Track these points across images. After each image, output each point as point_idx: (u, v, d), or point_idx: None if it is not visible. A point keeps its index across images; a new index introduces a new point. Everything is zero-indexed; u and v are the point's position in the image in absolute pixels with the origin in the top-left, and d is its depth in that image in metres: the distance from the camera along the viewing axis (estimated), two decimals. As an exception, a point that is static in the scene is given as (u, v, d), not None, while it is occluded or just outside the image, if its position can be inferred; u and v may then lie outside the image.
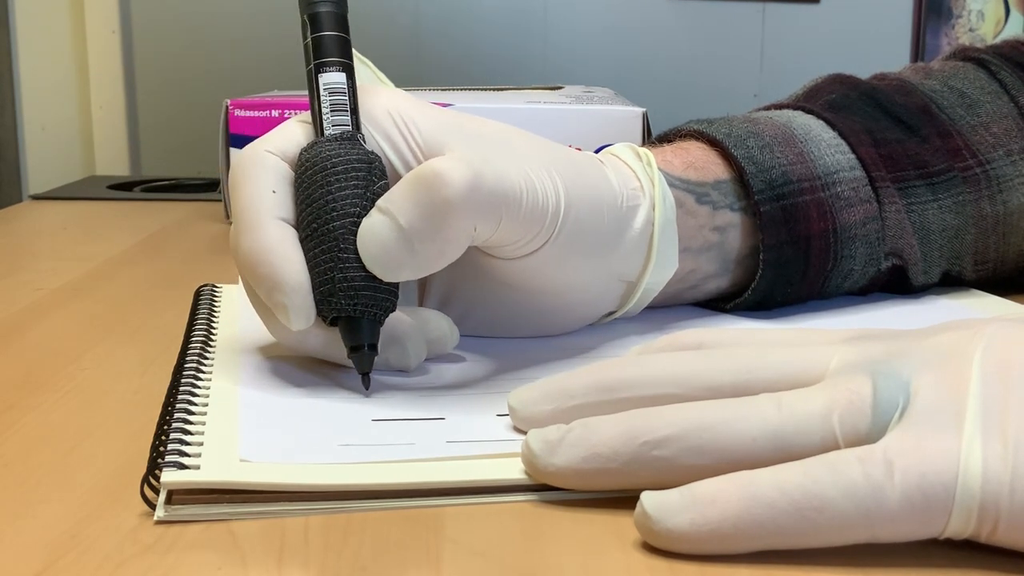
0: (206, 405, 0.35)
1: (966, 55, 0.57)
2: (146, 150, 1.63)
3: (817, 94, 0.54)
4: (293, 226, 0.36)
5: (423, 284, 0.43)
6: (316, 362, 0.40)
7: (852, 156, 0.49)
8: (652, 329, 0.45)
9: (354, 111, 0.38)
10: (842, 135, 0.49)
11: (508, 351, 0.42)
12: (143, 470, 0.30)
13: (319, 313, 0.36)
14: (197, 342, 0.42)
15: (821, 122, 0.50)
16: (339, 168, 0.36)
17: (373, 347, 0.36)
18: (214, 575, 0.26)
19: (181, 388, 0.36)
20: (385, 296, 0.36)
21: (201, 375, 0.38)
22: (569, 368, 0.39)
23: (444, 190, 0.34)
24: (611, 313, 0.45)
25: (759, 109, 0.54)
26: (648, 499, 0.27)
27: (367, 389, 0.36)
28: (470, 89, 0.86)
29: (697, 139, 0.49)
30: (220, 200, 0.81)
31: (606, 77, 1.33)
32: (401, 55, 1.52)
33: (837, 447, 0.27)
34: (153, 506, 0.29)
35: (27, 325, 0.49)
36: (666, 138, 0.50)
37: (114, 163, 1.60)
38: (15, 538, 0.28)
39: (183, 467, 0.29)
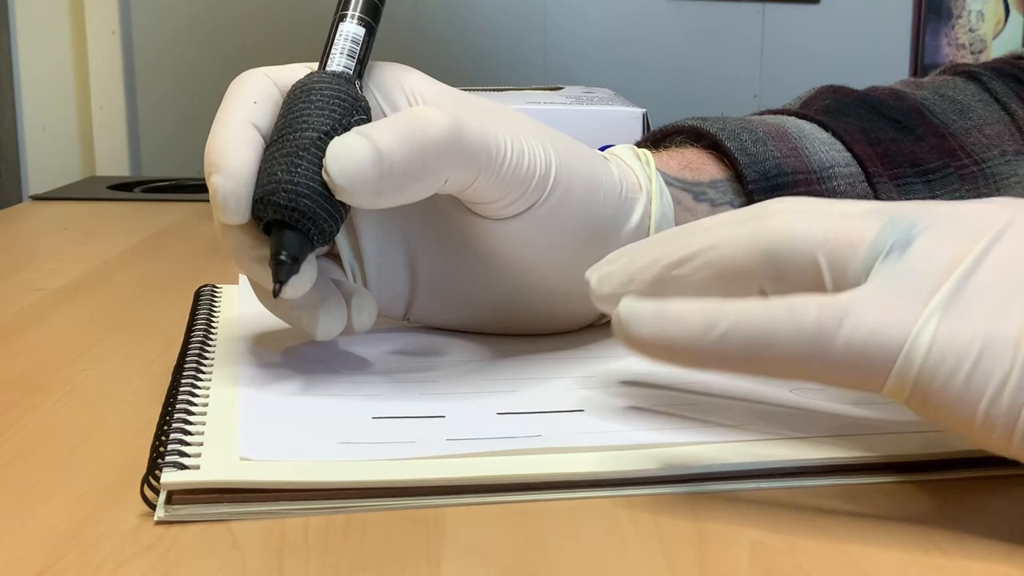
0: (206, 405, 0.35)
1: (956, 70, 0.58)
2: (146, 150, 1.63)
3: (810, 103, 0.54)
4: (265, 138, 0.36)
5: (413, 263, 0.43)
6: (316, 361, 0.40)
7: (847, 154, 0.49)
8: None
9: (361, 62, 0.38)
10: (836, 135, 0.49)
11: (508, 351, 0.42)
12: (143, 470, 0.30)
13: (255, 213, 0.35)
14: (197, 342, 0.42)
15: (815, 125, 0.50)
16: (325, 92, 0.36)
17: (296, 261, 0.35)
18: (214, 575, 0.26)
19: (181, 388, 0.36)
20: (325, 216, 0.35)
21: (201, 375, 0.38)
22: (568, 368, 0.40)
23: (426, 128, 0.35)
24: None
25: (752, 115, 0.54)
26: (625, 305, 0.29)
27: (275, 297, 0.35)
28: (470, 89, 0.86)
29: (693, 143, 0.49)
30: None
31: (606, 77, 1.33)
32: (401, 55, 1.52)
33: (820, 277, 0.29)
34: (153, 506, 0.29)
35: (27, 325, 0.49)
36: (660, 134, 0.50)
37: (114, 163, 1.60)
38: (15, 538, 0.28)
39: (183, 467, 0.29)
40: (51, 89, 1.60)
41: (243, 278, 0.53)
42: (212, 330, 0.44)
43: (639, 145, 0.48)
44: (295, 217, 0.35)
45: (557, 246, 0.40)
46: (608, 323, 0.46)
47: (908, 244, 0.28)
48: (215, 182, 0.35)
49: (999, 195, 0.51)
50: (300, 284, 0.36)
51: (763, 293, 0.31)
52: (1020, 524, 0.28)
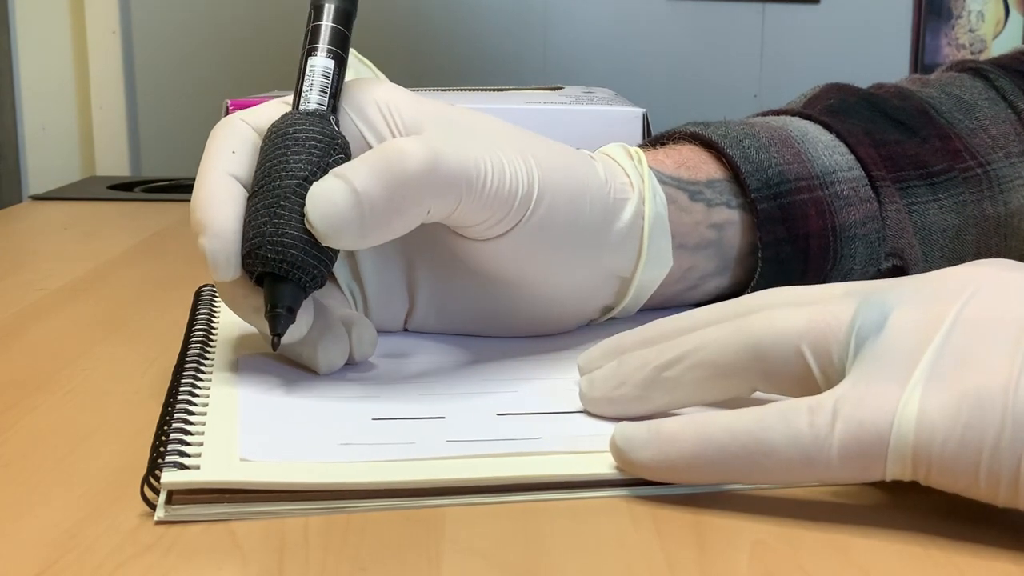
0: (206, 405, 0.35)
1: (963, 66, 0.57)
2: (146, 150, 1.63)
3: (814, 102, 0.54)
4: (246, 187, 0.37)
5: (411, 280, 0.43)
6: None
7: (851, 157, 0.49)
8: (652, 329, 0.45)
9: (334, 96, 0.38)
10: (840, 136, 0.49)
11: (508, 352, 0.42)
12: (143, 470, 0.30)
13: (245, 267, 0.36)
14: (197, 342, 0.42)
15: (818, 126, 0.50)
16: (300, 136, 0.36)
17: (291, 311, 0.35)
18: (214, 575, 0.26)
19: (181, 388, 0.36)
20: (315, 263, 0.35)
21: (201, 375, 0.38)
22: (568, 368, 0.39)
23: (403, 164, 0.35)
24: (610, 309, 0.45)
25: (755, 116, 0.54)
26: (620, 432, 0.30)
27: (274, 350, 0.36)
28: (470, 89, 0.86)
29: (690, 141, 0.49)
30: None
31: (606, 77, 1.33)
32: (401, 55, 1.52)
33: (807, 366, 0.30)
34: (153, 506, 0.29)
35: (27, 325, 0.49)
36: (660, 140, 0.50)
37: (114, 163, 1.60)
38: (15, 538, 0.28)
39: (183, 467, 0.29)
40: (51, 89, 1.60)
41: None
42: (212, 330, 0.44)
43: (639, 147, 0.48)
44: (284, 269, 0.35)
45: (548, 256, 0.40)
46: (607, 320, 0.46)
47: (883, 322, 0.29)
48: (202, 243, 0.36)
49: (1003, 197, 0.51)
50: (298, 330, 0.36)
51: (753, 389, 0.32)
52: (1019, 522, 0.28)
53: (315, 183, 0.35)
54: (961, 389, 0.26)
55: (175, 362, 0.40)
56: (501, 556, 0.27)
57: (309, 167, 0.36)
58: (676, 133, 0.50)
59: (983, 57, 1.73)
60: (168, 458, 0.30)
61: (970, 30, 1.74)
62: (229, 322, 0.45)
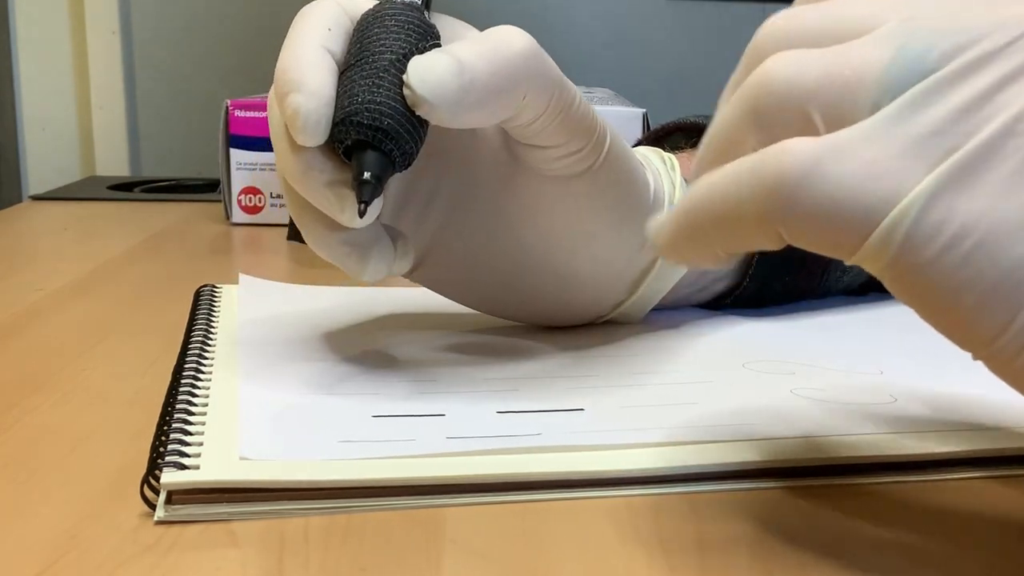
0: (206, 405, 0.35)
1: None
2: (146, 150, 1.63)
3: None
4: (338, 64, 0.36)
5: (434, 217, 0.41)
6: (316, 360, 0.40)
7: None
8: (649, 330, 0.45)
9: None
10: None
11: (508, 350, 0.42)
12: (143, 470, 0.30)
13: (335, 137, 0.34)
14: (197, 342, 0.42)
15: None
16: (399, 18, 0.36)
17: (380, 181, 0.34)
18: (214, 575, 0.26)
19: (181, 388, 0.36)
20: (408, 137, 0.34)
21: (201, 375, 0.38)
22: (568, 366, 0.39)
23: (510, 44, 0.35)
24: (619, 305, 0.45)
25: None
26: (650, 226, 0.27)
27: (360, 217, 0.34)
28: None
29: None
30: (220, 200, 0.81)
31: (606, 77, 1.33)
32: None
33: (818, 131, 0.24)
34: (153, 506, 0.29)
35: (27, 325, 0.49)
36: (661, 131, 0.51)
37: (114, 163, 1.60)
38: (15, 538, 0.28)
39: (183, 467, 0.29)
40: (51, 89, 1.60)
41: (243, 278, 0.53)
42: (212, 330, 0.44)
43: (640, 143, 0.48)
44: (379, 137, 0.34)
45: (590, 223, 0.40)
46: (607, 322, 0.46)
47: (921, 80, 0.23)
48: (296, 101, 0.34)
49: None
50: (375, 210, 0.35)
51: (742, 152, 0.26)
52: (1019, 521, 0.28)
53: (417, 56, 0.35)
54: (992, 210, 0.21)
55: (175, 362, 0.40)
56: (501, 556, 0.27)
57: (407, 46, 0.35)
58: (676, 125, 0.50)
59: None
60: (168, 458, 0.30)
61: (970, 30, 1.74)
62: (229, 322, 0.45)
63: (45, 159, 1.60)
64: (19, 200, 1.49)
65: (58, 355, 0.44)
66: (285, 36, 0.37)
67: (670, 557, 0.26)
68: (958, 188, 0.22)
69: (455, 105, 0.34)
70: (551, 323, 0.45)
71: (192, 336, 0.43)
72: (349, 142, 0.34)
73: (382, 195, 0.35)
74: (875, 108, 0.23)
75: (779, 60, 0.25)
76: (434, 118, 0.34)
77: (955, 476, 0.31)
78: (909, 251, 0.22)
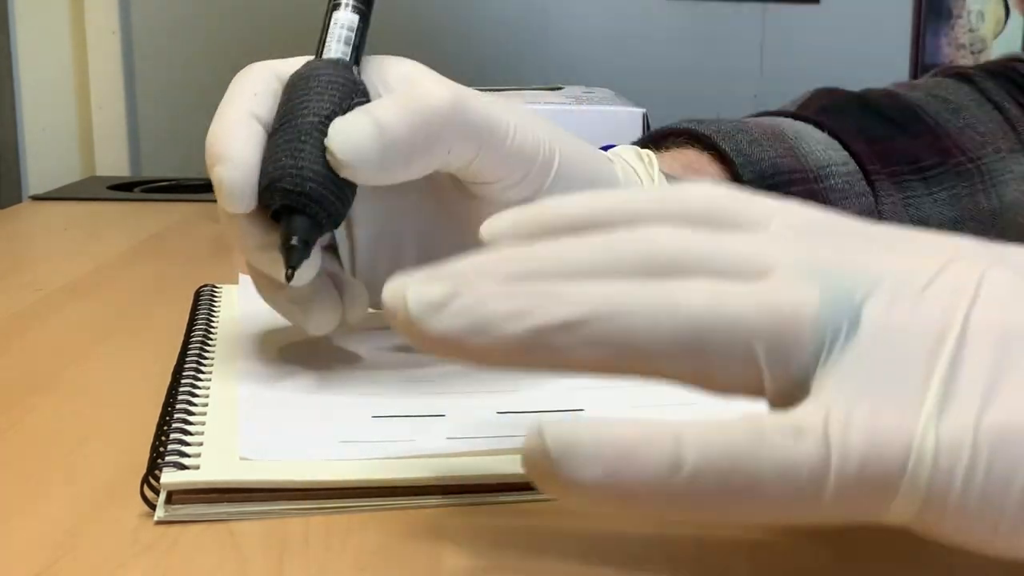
0: (206, 405, 0.35)
1: (949, 71, 0.58)
2: (146, 150, 1.63)
3: (807, 106, 0.54)
4: (266, 129, 0.37)
5: (409, 257, 0.42)
6: (316, 360, 0.40)
7: (844, 153, 0.49)
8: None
9: (357, 48, 0.38)
10: (833, 134, 0.50)
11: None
12: (143, 470, 0.30)
13: (263, 201, 0.35)
14: (197, 342, 0.42)
15: (811, 125, 0.50)
16: (323, 79, 0.36)
17: (307, 245, 0.35)
18: (214, 575, 0.26)
19: (181, 388, 0.36)
20: (333, 199, 0.35)
21: (201, 375, 0.38)
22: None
23: (428, 101, 0.35)
24: None
25: (749, 117, 0.54)
26: (553, 435, 0.22)
27: (287, 282, 0.35)
28: (470, 89, 0.86)
29: (692, 145, 0.49)
30: (220, 200, 0.81)
31: (606, 78, 1.33)
32: (401, 55, 1.52)
33: (757, 370, 0.23)
34: (153, 506, 0.29)
35: (27, 325, 0.49)
36: (656, 136, 0.51)
37: (114, 163, 1.60)
38: (15, 537, 0.28)
39: (183, 467, 0.29)
40: (51, 89, 1.60)
41: (243, 278, 0.53)
42: (212, 330, 0.44)
43: (638, 147, 0.48)
44: (303, 201, 0.35)
45: None
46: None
47: (856, 318, 0.23)
48: (219, 172, 0.35)
49: (995, 191, 0.51)
50: (308, 271, 0.36)
51: (673, 381, 0.25)
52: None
53: (339, 118, 0.35)
54: (981, 422, 0.22)
55: (175, 362, 0.40)
56: (501, 556, 0.27)
57: (331, 106, 0.36)
58: (671, 130, 0.50)
59: (983, 57, 1.73)
60: (168, 458, 0.30)
61: (970, 30, 1.74)
62: (229, 322, 0.45)
63: (45, 159, 1.60)
64: (19, 200, 1.48)
65: (58, 355, 0.44)
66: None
67: (670, 557, 0.26)
68: (951, 414, 0.22)
69: (377, 166, 0.35)
70: None
71: (192, 336, 0.43)
72: (276, 206, 0.35)
73: (332, 251, 0.36)
74: (821, 348, 0.23)
75: (724, 290, 0.24)
76: (358, 179, 0.35)
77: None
78: (935, 493, 0.22)
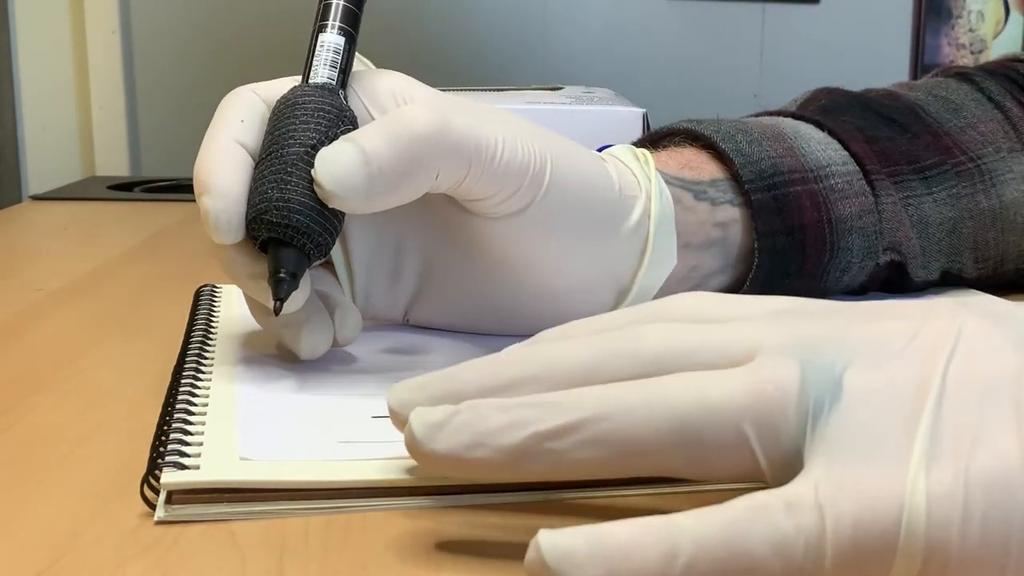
0: (206, 405, 0.35)
1: (949, 71, 0.58)
2: (146, 150, 1.63)
3: (807, 104, 0.54)
4: (253, 156, 0.37)
5: (407, 271, 0.42)
6: (316, 361, 0.40)
7: (844, 152, 0.49)
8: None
9: (343, 71, 0.38)
10: (832, 133, 0.50)
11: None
12: (143, 470, 0.30)
13: (250, 233, 0.36)
14: (197, 342, 0.42)
15: (810, 125, 0.50)
16: (309, 107, 0.36)
17: (295, 277, 0.35)
18: (214, 575, 0.26)
19: (181, 388, 0.36)
20: (320, 229, 0.35)
21: (201, 375, 0.38)
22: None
23: (412, 126, 0.35)
24: (616, 306, 0.45)
25: (749, 117, 0.54)
26: (548, 546, 0.22)
27: (276, 315, 0.35)
28: (470, 89, 0.86)
29: (691, 143, 0.49)
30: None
31: (606, 77, 1.33)
32: (400, 55, 1.52)
33: (751, 452, 0.24)
34: (153, 506, 0.29)
35: (27, 325, 0.49)
36: (656, 136, 0.51)
37: (114, 163, 1.60)
38: (15, 538, 0.28)
39: (183, 467, 0.29)
40: (51, 89, 1.60)
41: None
42: (212, 330, 0.44)
43: (636, 146, 0.48)
44: (289, 234, 0.35)
45: (553, 245, 0.40)
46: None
47: (838, 389, 0.24)
48: (205, 203, 0.35)
49: (996, 190, 0.51)
50: (296, 301, 0.36)
51: (672, 473, 0.26)
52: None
53: (324, 148, 0.35)
54: (970, 469, 0.22)
55: (175, 362, 0.40)
56: (501, 556, 0.27)
57: (317, 135, 0.36)
58: (670, 130, 0.50)
59: (983, 57, 1.74)
60: (168, 458, 0.30)
61: (970, 30, 1.74)
62: (229, 322, 0.45)
63: (45, 159, 1.60)
64: (19, 200, 1.49)
65: (58, 355, 0.44)
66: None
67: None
68: (938, 466, 0.22)
69: (365, 196, 0.35)
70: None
71: (192, 336, 0.43)
72: (263, 238, 0.35)
73: (307, 280, 0.36)
74: (806, 420, 0.24)
75: (707, 379, 0.25)
76: (346, 209, 0.35)
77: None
78: (933, 549, 0.22)
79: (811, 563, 0.22)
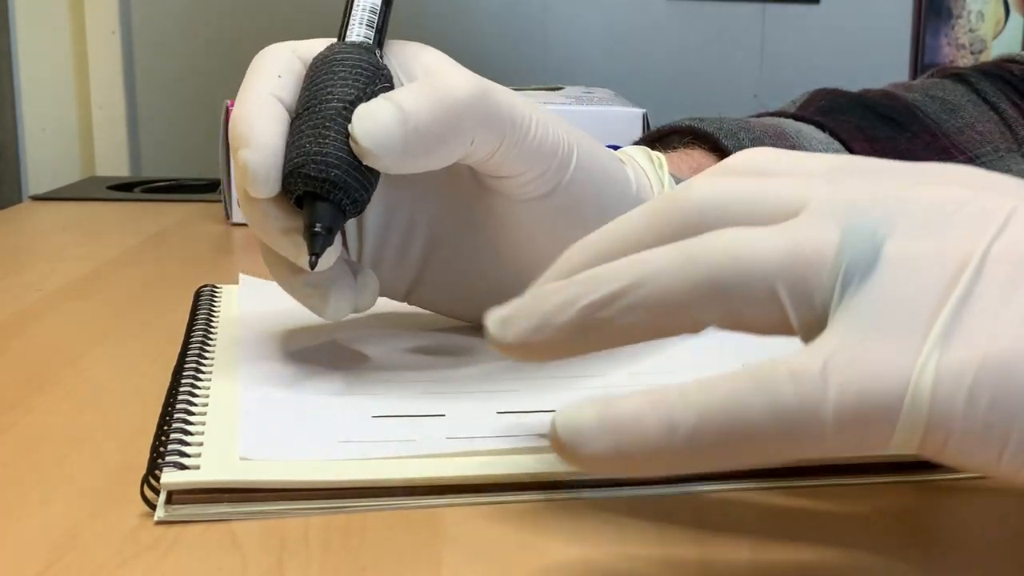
0: (206, 405, 0.35)
1: (945, 72, 0.58)
2: (146, 150, 1.63)
3: (807, 105, 0.54)
4: (289, 111, 0.36)
5: (418, 248, 0.42)
6: (316, 360, 0.40)
7: (845, 153, 0.49)
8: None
9: (380, 31, 0.38)
10: (833, 134, 0.50)
11: (508, 351, 0.42)
12: (143, 470, 0.30)
13: (286, 187, 0.35)
14: (197, 342, 0.42)
15: (812, 126, 0.51)
16: (347, 63, 0.36)
17: (331, 232, 0.35)
18: (214, 575, 0.26)
19: (181, 388, 0.36)
20: (357, 185, 0.35)
21: (201, 375, 0.38)
22: (567, 369, 0.39)
23: (453, 91, 0.35)
24: None
25: (750, 117, 0.54)
26: (562, 420, 0.24)
27: (311, 269, 0.35)
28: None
29: (697, 144, 0.49)
30: (220, 201, 0.81)
31: (606, 78, 1.33)
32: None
33: (783, 311, 0.25)
34: (153, 506, 0.29)
35: (27, 325, 0.49)
36: (657, 134, 0.51)
37: (114, 163, 1.60)
38: (15, 538, 0.28)
39: (183, 467, 0.29)
40: (51, 89, 1.60)
41: (243, 277, 0.53)
42: (212, 330, 0.44)
43: (639, 145, 0.48)
44: (326, 188, 0.35)
45: (570, 234, 0.40)
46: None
47: (875, 257, 0.24)
48: (244, 156, 0.35)
49: None
50: (331, 256, 0.36)
51: (709, 326, 0.26)
52: (1018, 523, 0.28)
53: (362, 104, 0.35)
54: (987, 351, 0.22)
55: (175, 362, 0.40)
56: (501, 556, 0.27)
57: (355, 92, 0.35)
58: (672, 128, 0.50)
59: (983, 57, 1.73)
60: (168, 458, 0.30)
61: (970, 30, 1.74)
62: (229, 322, 0.45)
63: (45, 159, 1.60)
64: (19, 200, 1.49)
65: (58, 355, 0.44)
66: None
67: (670, 557, 0.26)
68: (955, 343, 0.22)
69: (400, 154, 0.35)
70: None
71: (192, 336, 0.43)
72: (299, 192, 0.35)
73: (342, 237, 0.36)
74: (838, 282, 0.24)
75: (737, 235, 0.25)
76: (380, 167, 0.35)
77: (961, 476, 0.31)
78: (934, 428, 0.22)
79: (810, 430, 0.23)
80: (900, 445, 0.23)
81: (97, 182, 1.12)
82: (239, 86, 0.38)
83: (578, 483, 0.30)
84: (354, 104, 0.35)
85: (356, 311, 0.39)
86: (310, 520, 0.29)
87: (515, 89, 0.87)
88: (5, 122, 1.55)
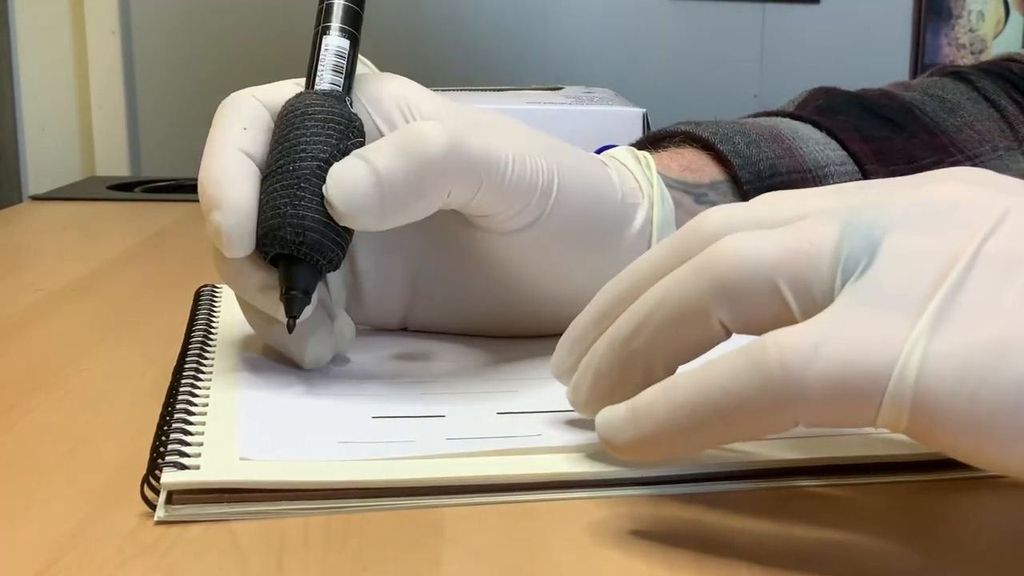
0: (206, 405, 0.35)
1: (944, 71, 0.58)
2: (146, 150, 1.63)
3: (804, 105, 0.54)
4: (259, 166, 0.36)
5: (410, 280, 0.42)
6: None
7: (842, 152, 0.49)
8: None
9: (349, 76, 0.38)
10: (830, 133, 0.50)
11: (508, 352, 0.42)
12: (143, 470, 0.30)
13: (260, 247, 0.35)
14: (197, 342, 0.42)
15: (809, 125, 0.51)
16: (318, 116, 0.36)
17: (307, 294, 0.35)
18: (214, 575, 0.26)
19: (181, 388, 0.36)
20: (332, 246, 0.35)
21: (201, 375, 0.38)
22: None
23: (425, 146, 0.35)
24: None
25: (747, 117, 0.54)
26: (601, 418, 0.28)
27: (290, 333, 0.35)
28: (470, 89, 0.86)
29: (691, 144, 0.49)
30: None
31: (606, 77, 1.33)
32: (401, 55, 1.52)
33: (785, 305, 0.26)
34: (153, 506, 0.29)
35: (27, 325, 0.49)
36: (654, 139, 0.51)
37: (114, 163, 1.60)
38: (15, 538, 0.28)
39: (183, 467, 0.29)
40: (51, 89, 1.60)
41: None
42: (212, 330, 0.44)
43: (635, 147, 0.48)
44: (303, 251, 0.35)
45: (561, 256, 0.40)
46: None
47: (874, 251, 0.25)
48: (216, 219, 0.35)
49: None
50: (307, 312, 0.36)
51: (728, 332, 0.28)
52: (1020, 523, 0.28)
53: (336, 164, 0.35)
54: (978, 337, 0.23)
55: (175, 362, 0.40)
56: (501, 556, 0.27)
57: (329, 149, 0.35)
58: (669, 132, 0.50)
59: (983, 57, 1.73)
60: (168, 458, 0.30)
61: (970, 30, 1.74)
62: (229, 322, 0.45)
63: (45, 159, 1.60)
64: (19, 200, 1.49)
65: (58, 355, 0.44)
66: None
67: (669, 557, 0.26)
68: (946, 328, 0.23)
69: (376, 215, 0.35)
70: (550, 334, 0.45)
71: (192, 336, 0.43)
72: (274, 253, 0.35)
73: (315, 292, 0.36)
74: (837, 275, 0.25)
75: (740, 237, 0.27)
76: (357, 227, 0.35)
77: (962, 476, 0.31)
78: (921, 405, 0.23)
79: (795, 396, 0.24)
80: (887, 422, 0.23)
81: (97, 182, 1.12)
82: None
83: (578, 483, 0.30)
84: (328, 162, 0.35)
85: (337, 352, 0.39)
86: (310, 520, 0.29)
87: (515, 89, 0.87)
88: (5, 122, 1.55)
